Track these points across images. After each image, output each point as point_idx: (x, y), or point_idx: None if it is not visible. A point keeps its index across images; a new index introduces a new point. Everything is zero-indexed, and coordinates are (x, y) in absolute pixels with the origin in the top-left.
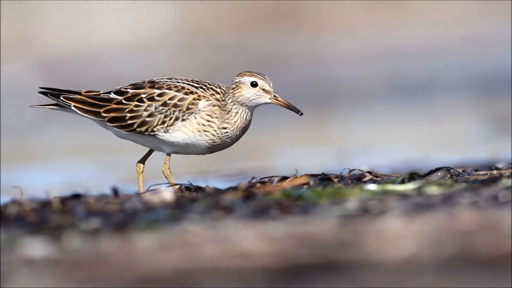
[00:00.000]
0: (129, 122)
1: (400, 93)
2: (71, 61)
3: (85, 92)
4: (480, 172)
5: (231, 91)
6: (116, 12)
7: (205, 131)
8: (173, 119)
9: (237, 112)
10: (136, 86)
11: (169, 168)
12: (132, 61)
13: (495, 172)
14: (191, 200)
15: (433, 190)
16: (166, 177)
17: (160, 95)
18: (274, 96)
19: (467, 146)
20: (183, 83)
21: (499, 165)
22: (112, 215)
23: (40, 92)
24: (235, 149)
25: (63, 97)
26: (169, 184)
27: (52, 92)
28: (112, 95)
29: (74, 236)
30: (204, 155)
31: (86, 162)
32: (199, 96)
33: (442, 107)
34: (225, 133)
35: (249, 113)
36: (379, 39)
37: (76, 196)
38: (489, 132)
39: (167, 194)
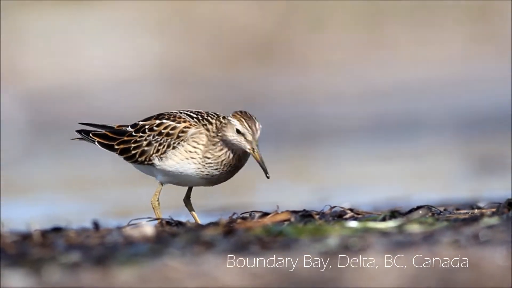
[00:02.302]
0: (133, 152)
1: (384, 131)
2: (56, 95)
3: (118, 126)
4: (462, 211)
5: (222, 126)
6: (102, 47)
7: (192, 157)
8: (165, 147)
9: (221, 149)
10: (147, 118)
11: (158, 200)
12: (118, 95)
13: (476, 211)
14: (171, 235)
15: (414, 228)
16: (153, 208)
17: (158, 125)
18: (253, 148)
19: (449, 185)
20: (185, 114)
21: (481, 204)
22: (92, 248)
23: (77, 131)
24: (216, 185)
25: (92, 134)
26: (151, 218)
27: (86, 130)
28: (128, 128)
29: (54, 269)
30: (203, 186)
31: (68, 195)
32: (190, 124)
33: (425, 146)
34: (208, 163)
35: (236, 152)
36: (366, 77)
37: (57, 229)
38: (471, 172)
39: (148, 229)
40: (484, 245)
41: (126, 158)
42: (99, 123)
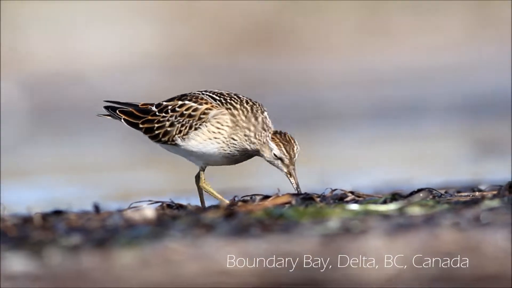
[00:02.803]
0: (156, 132)
1: (385, 116)
2: (56, 80)
3: (142, 104)
4: (463, 194)
5: (263, 138)
6: (102, 33)
7: (215, 137)
8: (187, 128)
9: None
10: (170, 98)
11: (204, 182)
12: (118, 82)
13: (477, 193)
14: (172, 217)
15: (415, 210)
16: (207, 192)
17: (180, 106)
18: (290, 172)
19: (450, 168)
20: (207, 95)
21: (482, 187)
22: (93, 231)
23: (105, 107)
24: (217, 168)
25: (118, 111)
26: (151, 201)
27: (113, 106)
28: (153, 108)
29: (55, 252)
30: (229, 165)
31: (69, 179)
32: (212, 106)
33: (426, 130)
34: (232, 144)
35: None
36: (367, 63)
37: (58, 213)
38: (472, 155)
39: (149, 212)
40: (485, 227)
41: (151, 137)
42: (123, 102)
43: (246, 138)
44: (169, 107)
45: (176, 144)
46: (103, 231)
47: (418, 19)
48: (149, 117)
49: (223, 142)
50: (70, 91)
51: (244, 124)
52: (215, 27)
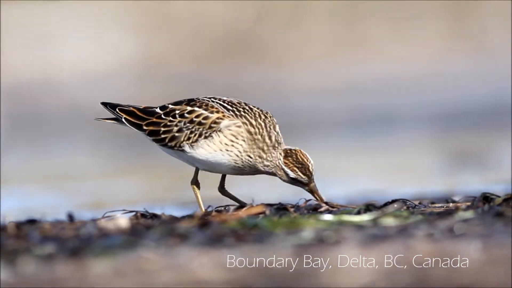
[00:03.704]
0: (162, 136)
1: (359, 126)
2: (33, 88)
3: (144, 107)
4: (436, 205)
5: (275, 160)
6: (78, 41)
7: (227, 150)
8: (197, 135)
9: (269, 164)
10: (176, 102)
11: (196, 181)
12: (94, 89)
13: (451, 205)
14: (146, 227)
15: (389, 221)
16: (193, 192)
17: (189, 112)
18: (311, 190)
19: (424, 179)
20: (217, 103)
21: (456, 198)
22: (67, 240)
23: (102, 103)
24: (190, 178)
25: (118, 109)
26: (126, 211)
27: (113, 104)
28: (157, 110)
29: (29, 261)
30: (233, 175)
31: (44, 188)
32: (223, 115)
33: (400, 140)
34: (248, 160)
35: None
36: (341, 73)
37: (31, 221)
38: (446, 165)
39: (123, 221)
40: (459, 238)
41: (155, 141)
42: (124, 104)
43: (260, 160)
44: (177, 111)
45: (183, 151)
46: (77, 240)
47: (392, 30)
48: (154, 119)
49: (237, 156)
50: (45, 99)
51: (260, 145)
52: (190, 36)
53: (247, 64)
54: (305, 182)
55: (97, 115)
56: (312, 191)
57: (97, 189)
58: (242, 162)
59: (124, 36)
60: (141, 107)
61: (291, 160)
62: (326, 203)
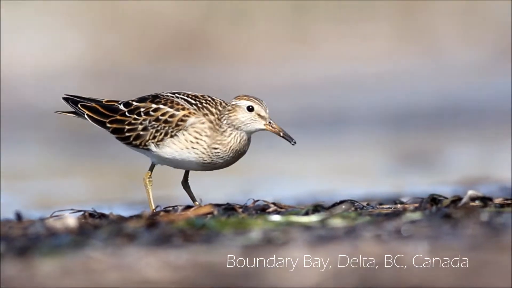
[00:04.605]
0: (127, 134)
1: (307, 126)
2: None
3: (106, 101)
4: (384, 206)
5: (227, 113)
6: (28, 39)
7: (193, 147)
8: (163, 134)
9: (230, 134)
10: (140, 99)
11: (150, 178)
12: (45, 88)
13: (399, 206)
14: (94, 226)
15: (337, 222)
16: (144, 187)
17: (155, 110)
18: (269, 122)
19: (372, 180)
20: (182, 98)
21: (404, 199)
22: (15, 240)
23: (64, 98)
24: (139, 178)
25: (80, 105)
26: (74, 210)
27: (74, 99)
28: (120, 106)
29: None
30: (201, 171)
31: None
32: (189, 113)
33: (349, 140)
34: (216, 153)
35: (245, 137)
36: (290, 72)
37: None
38: (394, 167)
39: (71, 220)
40: (407, 240)
41: (119, 139)
42: (86, 97)
43: (224, 135)
44: (142, 109)
45: (148, 149)
46: (25, 239)
47: (340, 29)
48: (118, 117)
49: (203, 152)
50: None
51: (220, 128)
52: (141, 35)
53: (196, 62)
54: (263, 114)
55: (49, 114)
56: (270, 125)
57: (45, 188)
58: (210, 157)
59: (76, 35)
60: (103, 102)
61: (244, 95)
62: (289, 138)
